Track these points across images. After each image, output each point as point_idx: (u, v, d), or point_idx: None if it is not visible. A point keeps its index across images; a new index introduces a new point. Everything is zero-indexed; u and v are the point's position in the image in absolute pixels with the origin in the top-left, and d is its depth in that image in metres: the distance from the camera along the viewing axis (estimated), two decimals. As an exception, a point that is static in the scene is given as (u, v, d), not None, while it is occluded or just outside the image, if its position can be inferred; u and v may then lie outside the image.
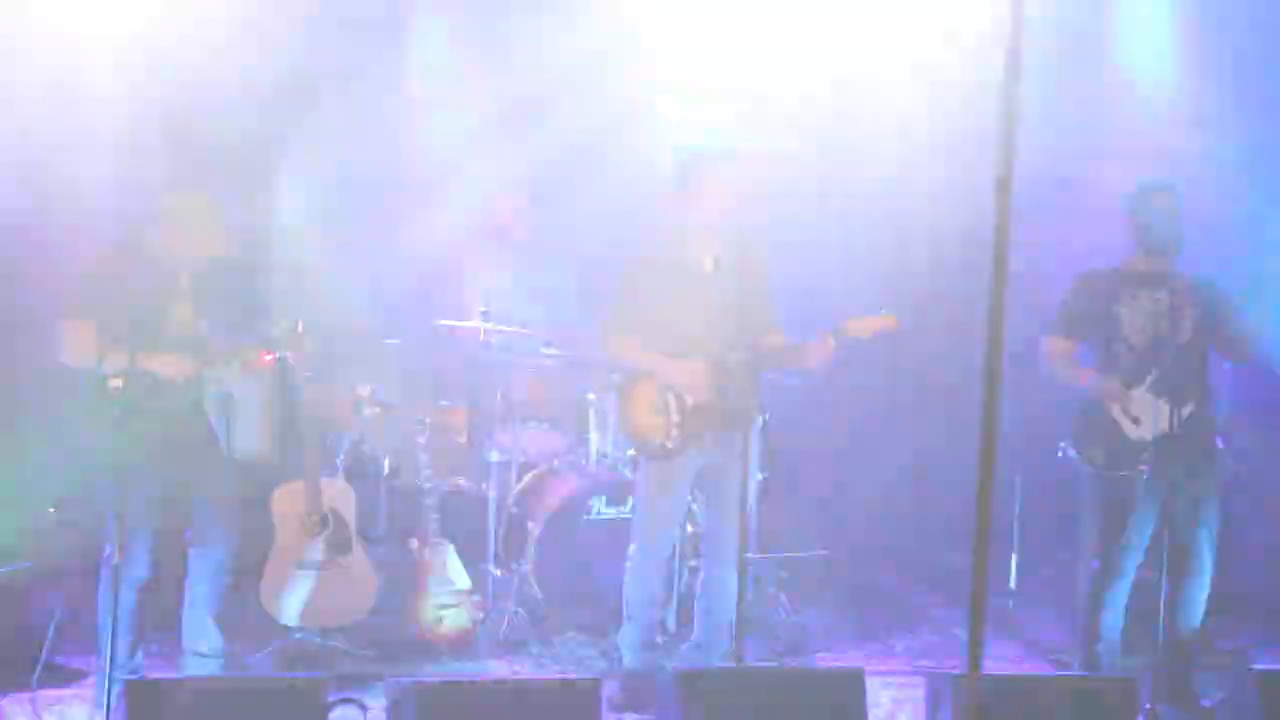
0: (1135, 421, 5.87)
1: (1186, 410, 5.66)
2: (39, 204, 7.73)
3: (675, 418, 5.77)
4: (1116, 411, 5.89)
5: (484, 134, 8.06)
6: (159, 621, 6.19)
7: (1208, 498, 5.90)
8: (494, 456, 6.81)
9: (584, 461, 6.92)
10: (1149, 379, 5.84)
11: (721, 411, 5.76)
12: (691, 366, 5.73)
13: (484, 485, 6.86)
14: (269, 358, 5.84)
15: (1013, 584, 7.32)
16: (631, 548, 5.94)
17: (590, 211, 8.40)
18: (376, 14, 8.11)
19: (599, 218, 8.38)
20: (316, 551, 6.23)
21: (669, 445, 5.78)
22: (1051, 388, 6.18)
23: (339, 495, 6.34)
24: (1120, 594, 5.99)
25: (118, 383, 5.35)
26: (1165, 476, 5.74)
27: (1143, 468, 5.83)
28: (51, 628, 5.65)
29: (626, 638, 5.99)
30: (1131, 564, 5.95)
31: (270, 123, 8.06)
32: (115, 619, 5.27)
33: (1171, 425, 5.64)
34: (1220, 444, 6.15)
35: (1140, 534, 5.92)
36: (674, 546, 6.22)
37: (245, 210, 7.73)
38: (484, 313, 7.08)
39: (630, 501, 6.44)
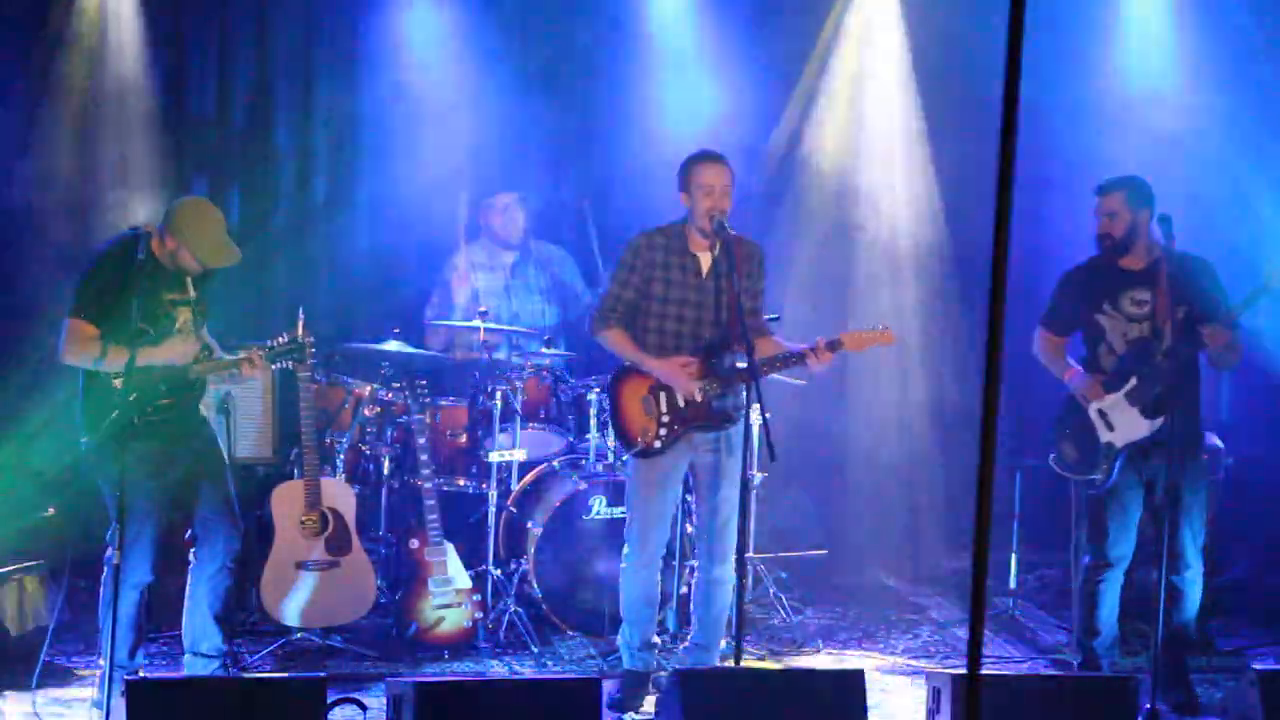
0: (1109, 426, 5.87)
1: (1162, 419, 5.64)
2: (39, 204, 7.75)
3: (664, 417, 5.77)
4: (1093, 413, 5.90)
5: (485, 134, 8.08)
6: (159, 621, 6.19)
7: (1191, 498, 5.88)
8: (494, 456, 6.80)
9: (584, 461, 6.92)
10: (1126, 386, 5.84)
11: (711, 411, 5.76)
12: (680, 362, 5.72)
13: (484, 485, 6.86)
14: (272, 367, 5.83)
15: (1013, 584, 7.31)
16: (625, 548, 5.94)
17: (595, 212, 8.44)
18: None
19: (600, 217, 8.41)
20: (316, 551, 6.23)
21: (657, 445, 5.78)
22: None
23: (339, 495, 6.34)
24: (1112, 588, 5.98)
25: (119, 383, 5.35)
26: (1142, 477, 5.75)
27: (1111, 472, 5.85)
28: (51, 628, 5.65)
29: (625, 638, 5.99)
30: (1118, 558, 5.94)
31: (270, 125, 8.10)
32: (115, 619, 5.27)
33: (1148, 433, 5.64)
34: (1220, 444, 6.13)
35: (1123, 530, 5.92)
36: (668, 545, 6.22)
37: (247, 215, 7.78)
38: (483, 313, 7.08)
39: (630, 502, 6.44)
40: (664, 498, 5.88)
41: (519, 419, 6.84)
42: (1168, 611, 5.92)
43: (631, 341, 5.82)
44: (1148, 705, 5.42)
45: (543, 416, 7.05)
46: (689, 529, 6.61)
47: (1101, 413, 5.88)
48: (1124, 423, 5.84)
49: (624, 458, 6.60)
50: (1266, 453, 7.52)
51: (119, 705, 4.73)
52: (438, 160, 7.97)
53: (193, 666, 5.69)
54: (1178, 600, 5.94)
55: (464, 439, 7.07)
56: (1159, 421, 5.61)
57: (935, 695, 5.12)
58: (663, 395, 5.77)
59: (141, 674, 5.49)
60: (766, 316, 6.04)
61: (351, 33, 8.12)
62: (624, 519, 6.12)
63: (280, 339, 5.74)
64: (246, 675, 5.87)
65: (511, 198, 7.71)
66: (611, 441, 6.84)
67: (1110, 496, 5.91)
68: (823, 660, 6.63)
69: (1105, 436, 5.87)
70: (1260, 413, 7.61)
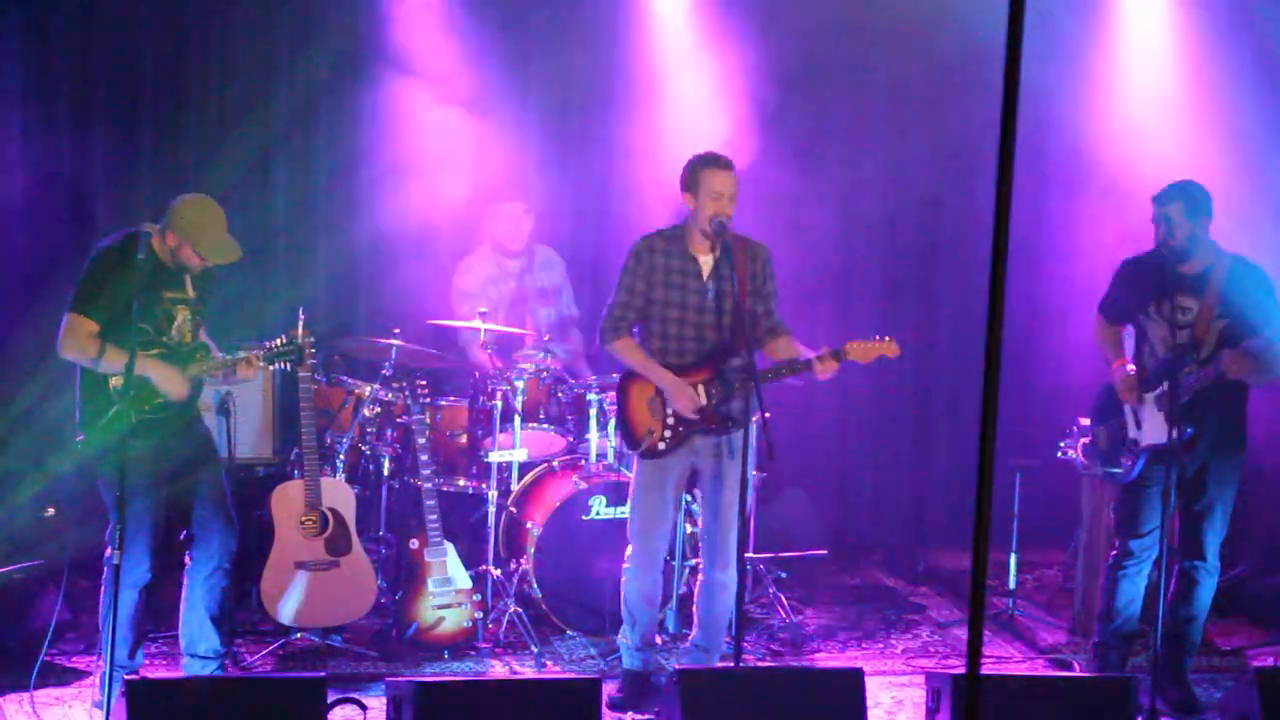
0: (1138, 424, 5.91)
1: (1188, 431, 5.64)
2: (40, 201, 7.76)
3: (669, 419, 5.79)
4: (1127, 408, 5.94)
5: (488, 135, 8.09)
6: (159, 621, 6.19)
7: (1216, 494, 5.91)
8: (494, 456, 6.81)
9: (584, 461, 6.92)
10: (1158, 390, 5.85)
11: (716, 414, 5.77)
12: (689, 387, 5.74)
13: (484, 485, 6.86)
14: (270, 367, 5.83)
15: (1012, 584, 7.31)
16: (629, 548, 5.95)
17: (594, 213, 8.44)
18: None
19: (602, 219, 8.42)
20: (316, 551, 6.23)
21: (661, 446, 5.80)
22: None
23: (339, 495, 6.34)
24: (1131, 579, 6.02)
25: (117, 382, 5.35)
26: (1167, 480, 5.76)
27: (1133, 468, 5.90)
28: (51, 628, 5.65)
29: (626, 638, 6.00)
30: (1141, 549, 5.97)
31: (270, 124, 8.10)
32: (115, 619, 5.26)
33: (1167, 440, 5.64)
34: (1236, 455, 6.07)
35: (1144, 525, 5.94)
36: (670, 545, 6.22)
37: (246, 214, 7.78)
38: (483, 313, 7.08)
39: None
40: (666, 498, 5.89)
41: (519, 419, 6.84)
42: (1177, 603, 5.95)
43: (641, 351, 5.85)
44: (1147, 705, 5.42)
45: (543, 416, 7.05)
46: (689, 530, 6.61)
47: (1134, 410, 5.92)
48: (1151, 425, 5.88)
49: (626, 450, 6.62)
50: (1266, 453, 7.51)
51: (119, 705, 4.73)
52: (439, 163, 7.97)
53: (190, 669, 5.69)
54: (1190, 590, 5.97)
55: (464, 439, 7.07)
56: (1183, 431, 5.60)
57: (935, 695, 5.12)
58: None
59: (141, 674, 5.49)
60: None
61: (354, 34, 8.12)
62: (624, 519, 6.12)
63: (278, 340, 5.75)
64: (246, 675, 5.88)
65: (519, 206, 7.71)
66: (611, 441, 6.85)
67: (1132, 490, 5.97)
68: (823, 660, 6.63)
69: (1133, 433, 5.95)
70: (1260, 413, 7.60)
